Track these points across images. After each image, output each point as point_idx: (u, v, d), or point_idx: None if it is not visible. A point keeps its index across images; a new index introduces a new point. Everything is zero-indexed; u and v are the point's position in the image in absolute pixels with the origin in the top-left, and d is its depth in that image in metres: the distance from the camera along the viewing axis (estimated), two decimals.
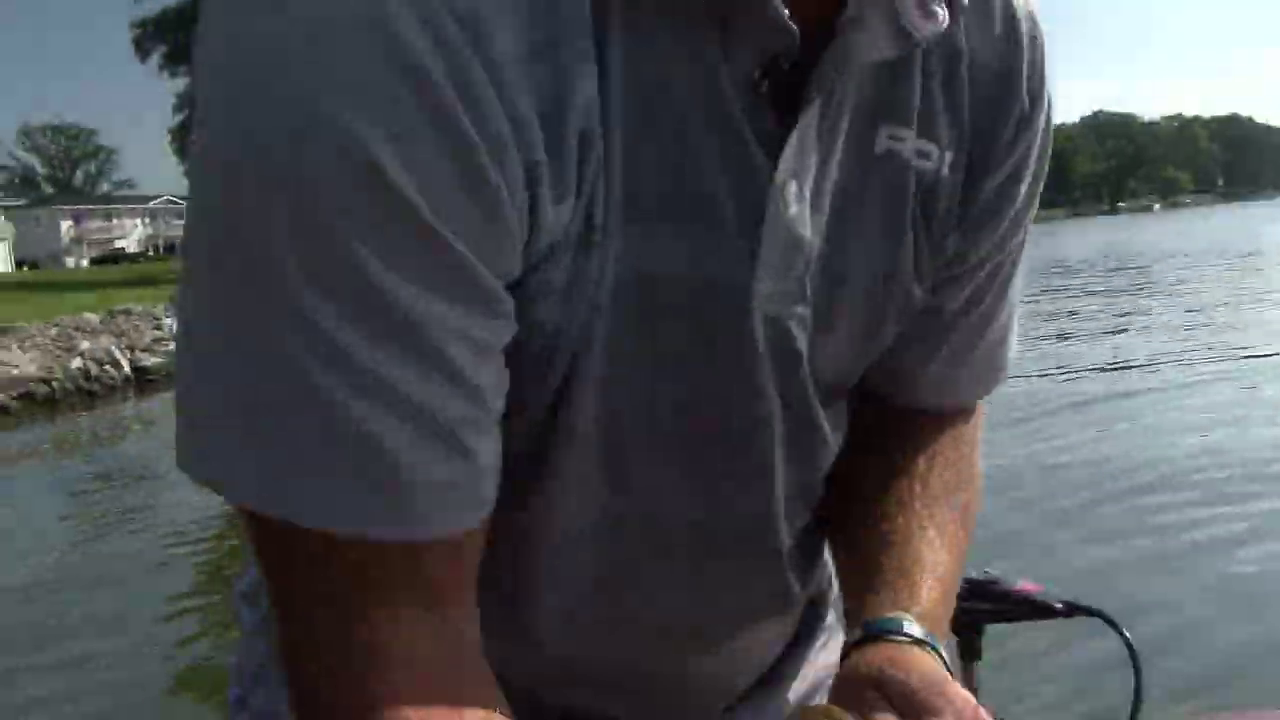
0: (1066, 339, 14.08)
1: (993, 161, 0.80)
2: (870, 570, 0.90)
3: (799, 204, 0.71)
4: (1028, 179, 0.83)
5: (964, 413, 0.98)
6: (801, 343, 0.77)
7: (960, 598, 1.98)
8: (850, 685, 0.80)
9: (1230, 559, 5.14)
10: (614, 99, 0.63)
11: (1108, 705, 2.14)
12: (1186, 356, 11.19)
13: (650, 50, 0.64)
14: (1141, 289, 18.38)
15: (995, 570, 2.03)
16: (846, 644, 0.86)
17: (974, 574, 1.98)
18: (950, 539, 0.94)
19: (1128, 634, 1.90)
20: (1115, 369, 11.00)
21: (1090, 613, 1.93)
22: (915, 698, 0.75)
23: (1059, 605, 1.93)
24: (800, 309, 0.75)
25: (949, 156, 0.77)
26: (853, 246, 0.76)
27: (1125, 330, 13.73)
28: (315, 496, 0.60)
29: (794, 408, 0.80)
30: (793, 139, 0.68)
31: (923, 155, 0.76)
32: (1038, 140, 0.82)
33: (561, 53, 0.60)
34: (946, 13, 0.70)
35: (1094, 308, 17.54)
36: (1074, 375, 10.96)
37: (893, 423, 0.94)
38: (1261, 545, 5.25)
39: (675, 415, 0.76)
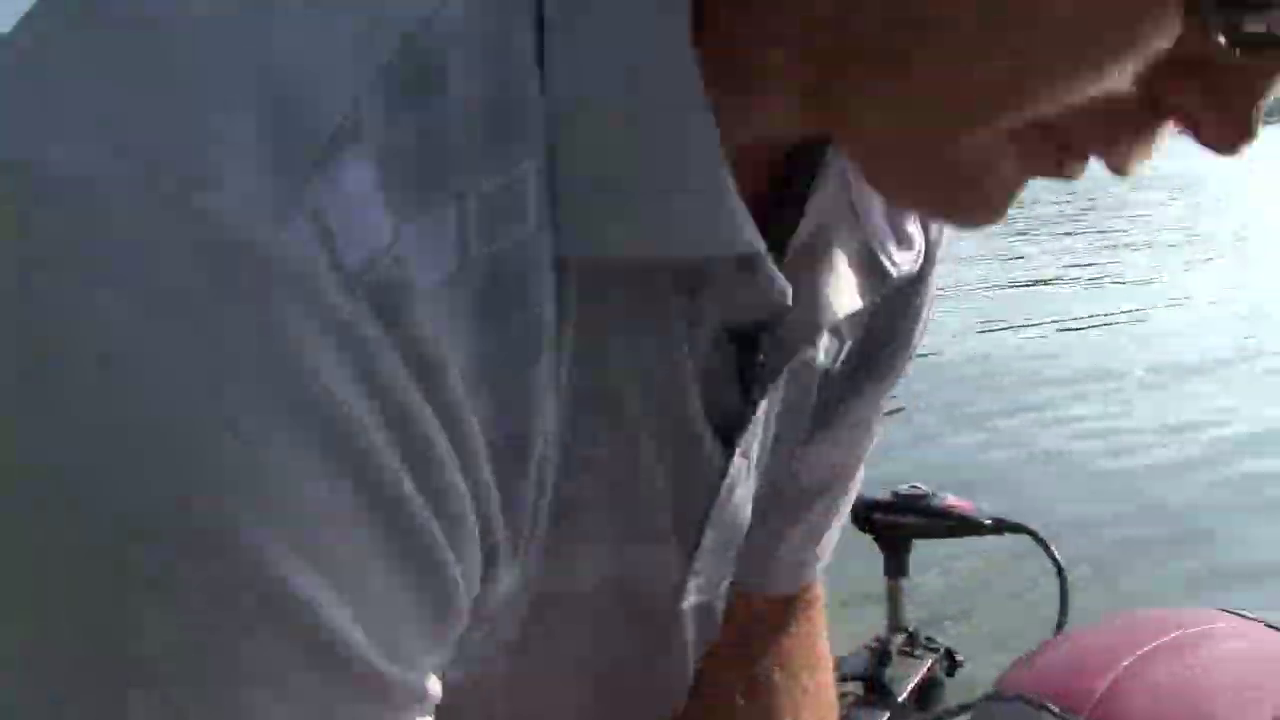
0: None
1: (884, 352, 0.73)
2: None
3: (745, 484, 0.63)
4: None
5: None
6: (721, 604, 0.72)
7: (887, 509, 1.98)
8: None
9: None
10: (562, 418, 0.51)
11: (1038, 617, 2.15)
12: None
13: (602, 350, 0.51)
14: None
15: (924, 485, 2.01)
16: None
17: (903, 488, 1.97)
18: None
19: (1055, 552, 1.90)
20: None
21: (1018, 529, 1.92)
22: None
23: (988, 522, 1.93)
24: (727, 582, 0.69)
25: (846, 346, 0.69)
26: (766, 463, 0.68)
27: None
28: None
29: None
30: (752, 427, 0.60)
31: (826, 351, 0.67)
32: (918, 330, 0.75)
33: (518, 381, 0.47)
34: (922, 238, 0.63)
35: None
36: None
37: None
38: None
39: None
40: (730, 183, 0.48)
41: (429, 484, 0.43)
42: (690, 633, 0.68)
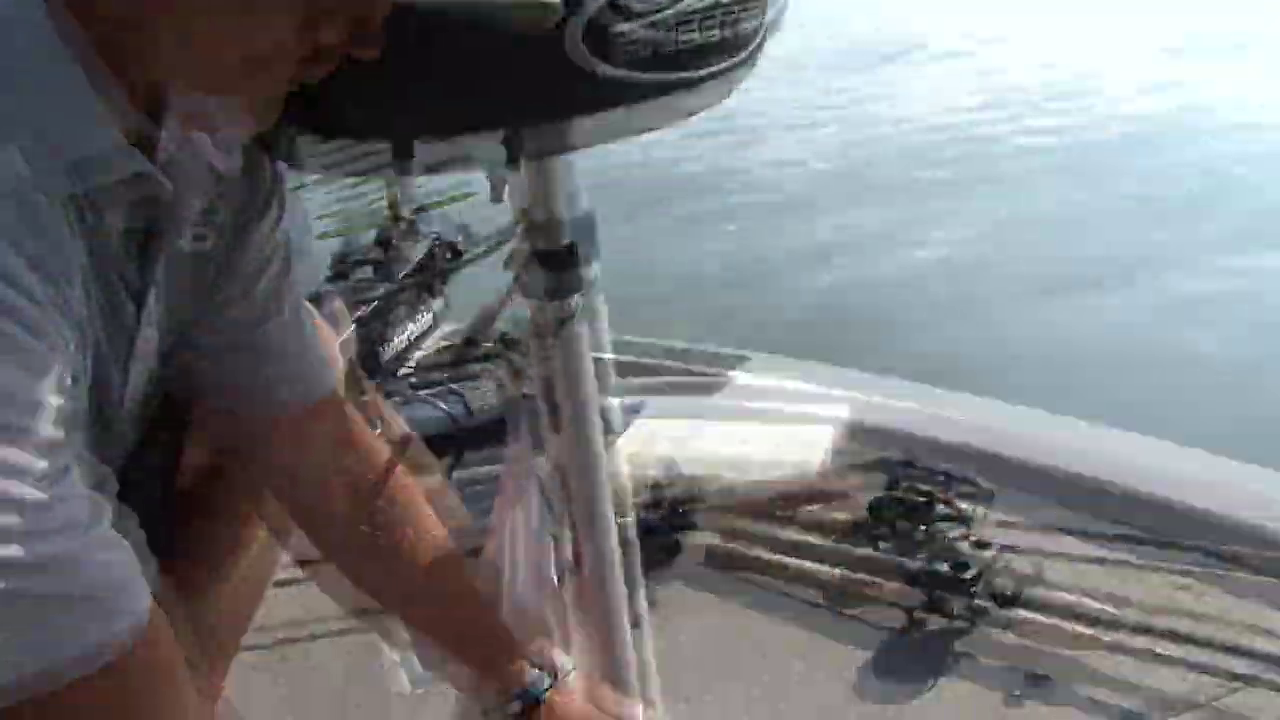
0: None
1: (252, 246, 1.09)
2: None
3: (151, 333, 1.00)
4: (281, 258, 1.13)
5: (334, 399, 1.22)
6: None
7: None
8: None
9: None
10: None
11: None
12: None
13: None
14: None
15: None
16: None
17: None
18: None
19: None
20: None
21: None
22: None
23: None
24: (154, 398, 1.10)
25: (222, 238, 1.06)
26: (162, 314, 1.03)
27: None
28: None
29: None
30: (149, 298, 0.98)
31: (201, 239, 1.03)
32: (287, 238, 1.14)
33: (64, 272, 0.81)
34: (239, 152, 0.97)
35: None
36: None
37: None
38: None
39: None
40: (109, 117, 0.83)
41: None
42: (128, 426, 1.05)
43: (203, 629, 1.25)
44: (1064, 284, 5.16)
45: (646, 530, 2.08)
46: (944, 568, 1.79)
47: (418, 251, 3.20)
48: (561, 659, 1.25)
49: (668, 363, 2.96)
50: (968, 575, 1.77)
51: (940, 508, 2.01)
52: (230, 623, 1.37)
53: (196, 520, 1.26)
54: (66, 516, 0.75)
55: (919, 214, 6.34)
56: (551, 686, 1.23)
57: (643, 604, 1.34)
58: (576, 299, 1.16)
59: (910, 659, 1.78)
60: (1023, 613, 1.75)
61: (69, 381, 0.78)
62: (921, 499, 1.99)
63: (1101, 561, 1.93)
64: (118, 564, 0.80)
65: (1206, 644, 1.65)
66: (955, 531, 1.96)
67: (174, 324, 1.05)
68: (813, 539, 2.12)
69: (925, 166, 7.30)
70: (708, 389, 2.82)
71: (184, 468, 1.25)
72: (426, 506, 1.26)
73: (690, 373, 2.91)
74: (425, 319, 3.09)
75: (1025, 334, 4.74)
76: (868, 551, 2.02)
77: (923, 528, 1.96)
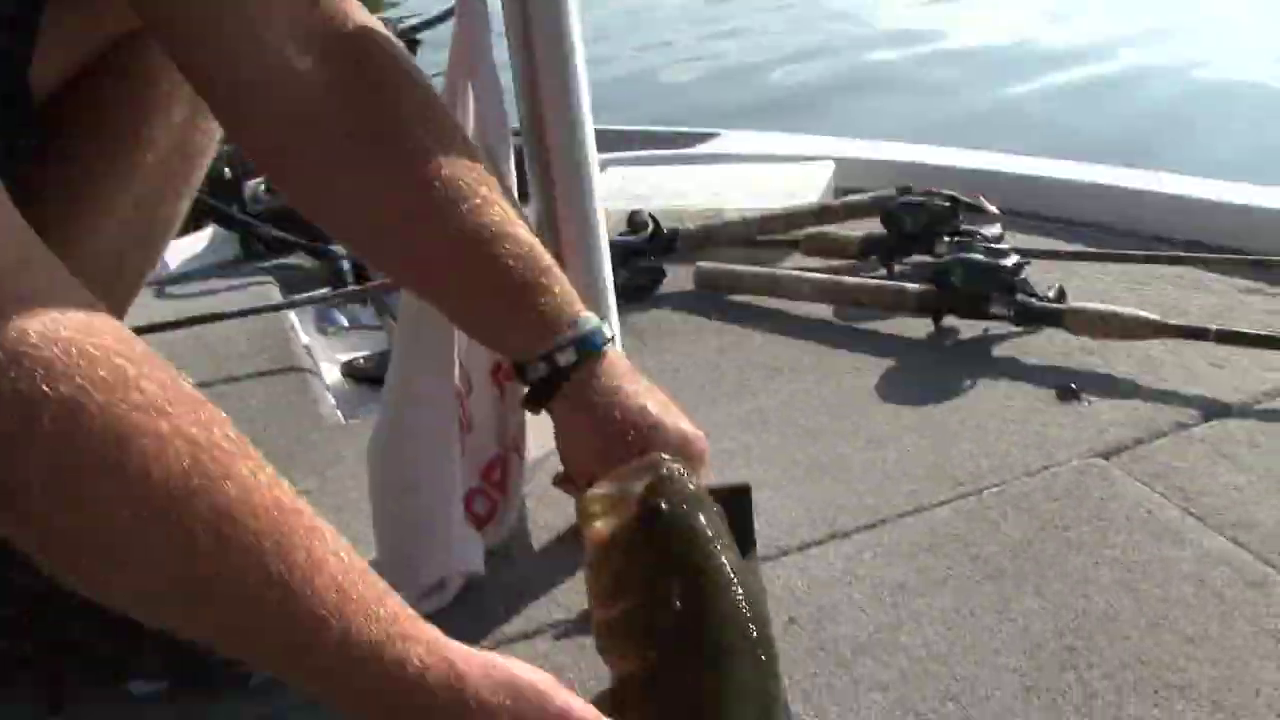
0: None
1: None
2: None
3: None
4: None
5: None
6: None
7: None
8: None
9: None
10: None
11: None
12: None
13: None
14: None
15: None
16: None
17: None
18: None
19: None
20: None
21: None
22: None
23: None
24: None
25: None
26: None
27: None
28: None
29: None
30: None
31: None
32: None
33: None
34: None
35: None
36: None
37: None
38: None
39: None
40: None
41: None
42: None
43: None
44: None
45: (628, 254, 1.84)
46: (980, 257, 1.55)
47: None
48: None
49: (644, 128, 2.73)
50: (1008, 263, 1.53)
51: (962, 218, 1.76)
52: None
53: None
54: None
55: None
56: (611, 339, 0.98)
57: None
58: None
59: (940, 364, 1.55)
60: (1065, 314, 1.51)
61: None
62: (944, 203, 1.74)
63: (1127, 281, 1.72)
64: None
65: (1254, 343, 1.43)
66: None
67: None
68: (818, 261, 1.88)
69: None
70: (690, 143, 2.58)
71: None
72: (434, 93, 0.98)
73: (672, 136, 2.67)
74: None
75: None
76: (882, 272, 1.79)
77: (945, 237, 1.70)
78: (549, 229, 1.18)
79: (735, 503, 1.01)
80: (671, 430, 0.95)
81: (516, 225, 0.95)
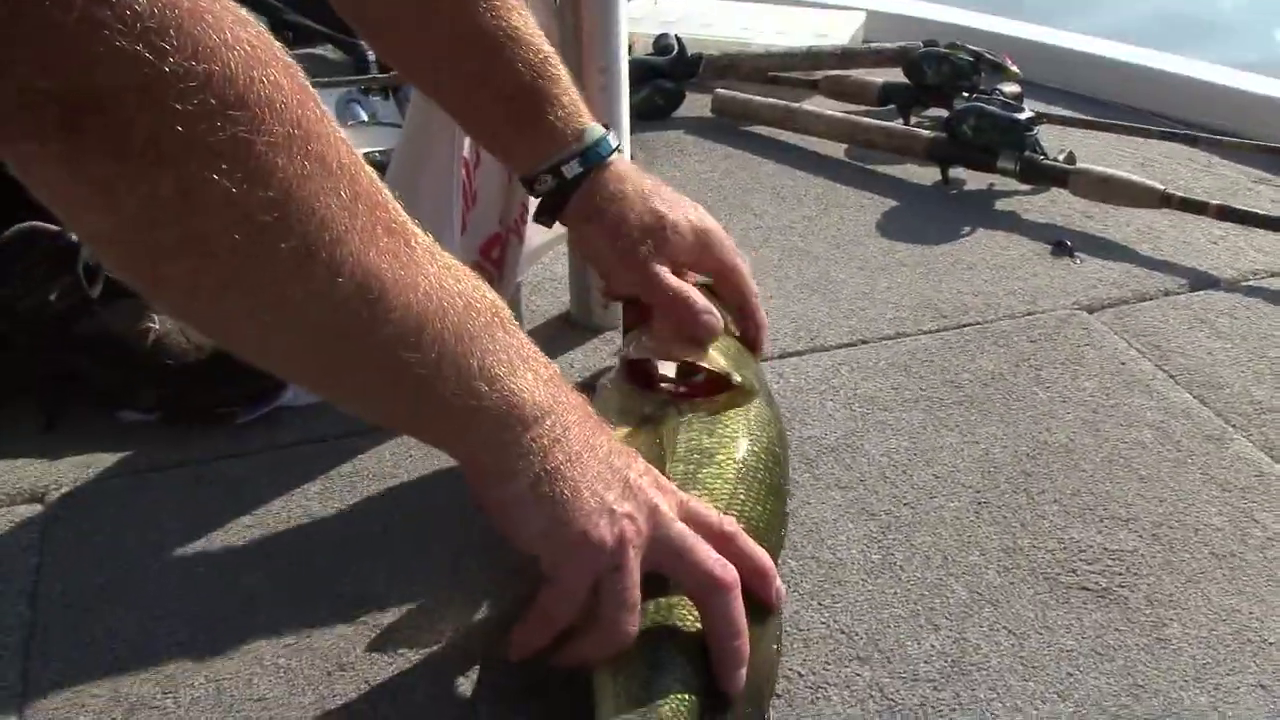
0: None
1: None
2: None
3: None
4: None
5: None
6: None
7: None
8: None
9: None
10: None
11: None
12: None
13: None
14: None
15: None
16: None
17: None
18: None
19: None
20: None
21: None
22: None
23: None
24: None
25: None
26: None
27: None
28: None
29: None
30: None
31: None
32: None
33: None
34: None
35: None
36: None
37: None
38: None
39: None
40: None
41: None
42: None
43: None
44: None
45: (648, 71, 1.85)
46: (993, 109, 1.56)
47: None
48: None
49: None
50: (1022, 118, 1.54)
51: (984, 75, 1.76)
52: None
53: None
54: None
55: None
56: (618, 149, 0.99)
57: None
58: None
59: (942, 209, 1.57)
60: (1069, 174, 1.52)
61: None
62: (968, 59, 1.74)
63: (1139, 158, 1.73)
64: None
65: (1251, 221, 1.45)
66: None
67: None
68: (837, 104, 1.89)
69: None
70: None
71: None
72: None
73: None
74: None
75: None
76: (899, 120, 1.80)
77: (965, 92, 1.71)
78: (572, 35, 1.17)
79: None
80: (684, 227, 0.99)
81: (533, 34, 0.96)
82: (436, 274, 0.67)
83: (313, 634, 0.87)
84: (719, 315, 0.97)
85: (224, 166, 0.55)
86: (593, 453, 0.73)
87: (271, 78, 0.56)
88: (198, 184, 0.55)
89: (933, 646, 0.85)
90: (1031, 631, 0.86)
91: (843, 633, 0.86)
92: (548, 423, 0.72)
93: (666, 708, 0.70)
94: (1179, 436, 1.09)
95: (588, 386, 1.08)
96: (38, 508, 1.02)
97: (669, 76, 1.89)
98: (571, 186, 0.97)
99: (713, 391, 0.94)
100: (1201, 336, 1.25)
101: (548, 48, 0.97)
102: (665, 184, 1.02)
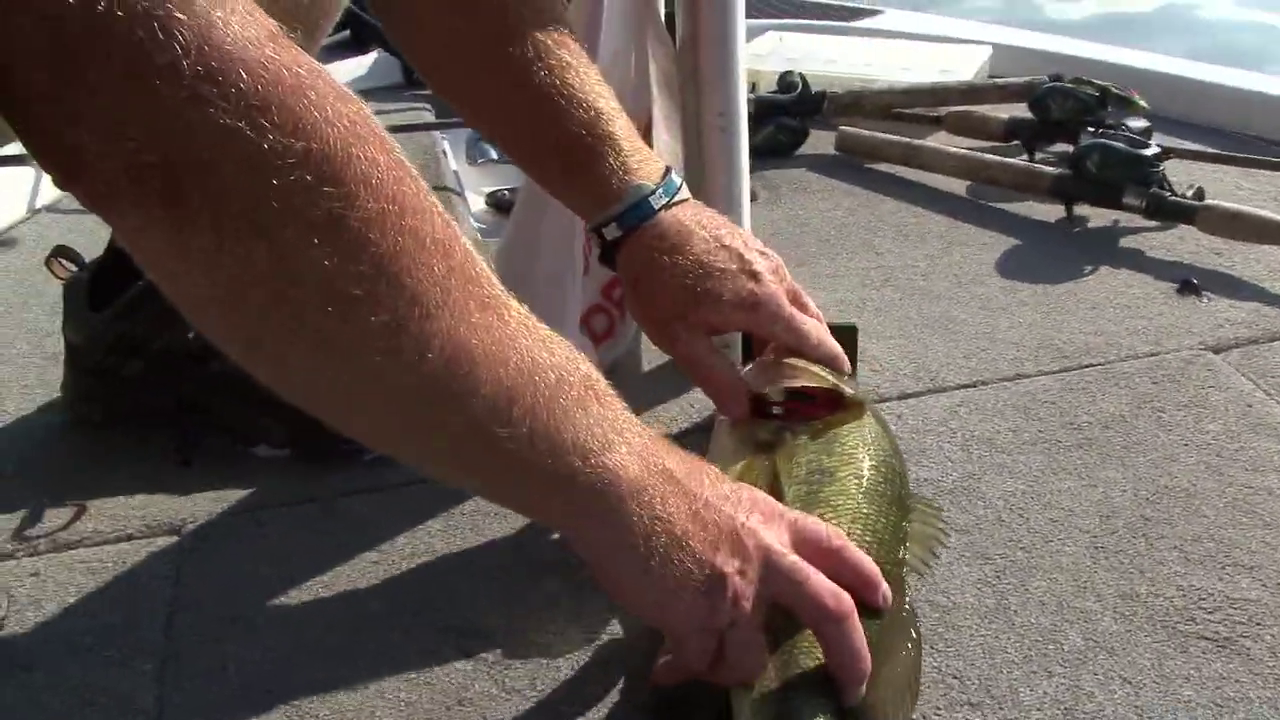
0: None
1: None
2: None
3: None
4: None
5: None
6: None
7: None
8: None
9: None
10: None
11: None
12: None
13: None
14: None
15: None
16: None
17: None
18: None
19: None
20: None
21: None
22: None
23: None
24: None
25: None
26: None
27: None
28: None
29: None
30: None
31: None
32: None
33: None
34: None
35: None
36: None
37: None
38: None
39: None
40: None
41: None
42: None
43: None
44: None
45: (772, 109, 1.87)
46: (1119, 145, 1.55)
47: None
48: (677, 177, 0.99)
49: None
50: (1148, 153, 1.53)
51: (1110, 110, 1.75)
52: None
53: None
54: None
55: None
56: (670, 204, 0.97)
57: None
58: None
59: (1065, 247, 1.56)
60: (1197, 210, 1.51)
61: None
62: (1094, 93, 1.73)
63: (1272, 190, 1.69)
64: None
65: None
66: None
67: None
68: (961, 140, 1.89)
69: None
70: (852, 16, 2.58)
71: None
72: None
73: (836, 8, 2.67)
74: None
75: None
76: (1024, 156, 1.79)
77: (1090, 128, 1.69)
78: (691, 78, 1.19)
79: (842, 339, 1.06)
80: (727, 299, 0.95)
81: (589, 93, 0.96)
82: (529, 347, 0.68)
83: (433, 669, 0.90)
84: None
85: (316, 240, 0.57)
86: (694, 517, 0.74)
87: (369, 154, 0.59)
88: (291, 255, 0.57)
89: (1045, 693, 0.85)
90: (1148, 681, 0.86)
91: (955, 677, 0.87)
92: (645, 496, 0.72)
93: None
94: None
95: (707, 426, 1.10)
96: (174, 539, 1.06)
97: (792, 114, 1.90)
98: (612, 250, 0.98)
99: (823, 411, 0.96)
100: None
101: (604, 105, 0.97)
102: (729, 231, 0.99)
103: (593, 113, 0.96)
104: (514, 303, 0.69)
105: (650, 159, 0.98)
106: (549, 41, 0.96)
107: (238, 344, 0.63)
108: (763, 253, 0.99)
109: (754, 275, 0.97)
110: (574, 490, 0.71)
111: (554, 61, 0.96)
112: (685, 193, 0.99)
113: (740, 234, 0.99)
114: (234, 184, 0.55)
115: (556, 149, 0.97)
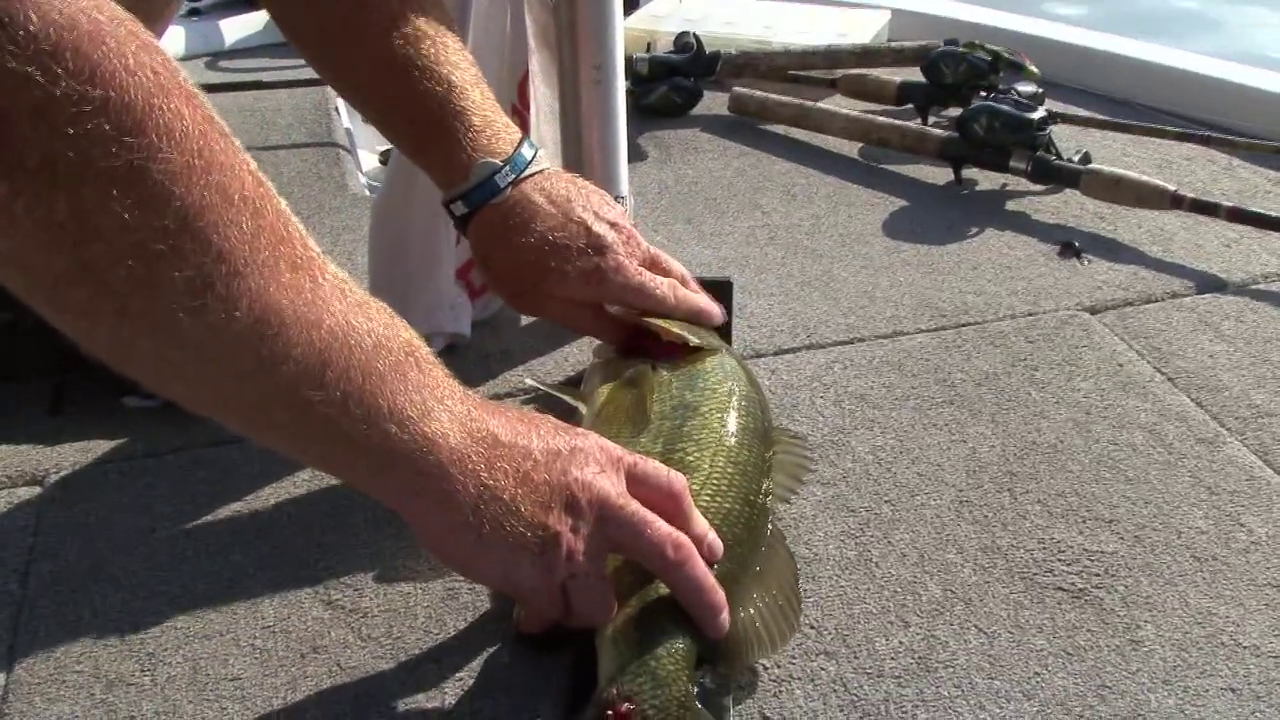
0: None
1: None
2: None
3: None
4: None
5: None
6: None
7: None
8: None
9: None
10: None
11: None
12: None
13: None
14: None
15: None
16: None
17: None
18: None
19: None
20: None
21: None
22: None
23: None
24: None
25: None
26: None
27: None
28: None
29: None
30: None
31: None
32: None
33: None
34: None
35: None
36: None
37: None
38: None
39: None
40: None
41: None
42: None
43: None
44: None
45: (666, 70, 1.86)
46: (1006, 108, 1.55)
47: None
48: (529, 150, 1.00)
49: None
50: (1035, 116, 1.53)
51: (1003, 75, 1.75)
52: None
53: None
54: None
55: None
56: (519, 180, 0.98)
57: None
58: None
59: (951, 210, 1.56)
60: (1081, 175, 1.52)
61: None
62: (986, 58, 1.73)
63: (1157, 159, 1.71)
64: None
65: (1264, 223, 1.43)
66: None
67: None
68: (855, 103, 1.88)
69: None
70: None
71: None
72: None
73: None
74: None
75: None
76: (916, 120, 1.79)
77: (983, 92, 1.70)
78: (567, 32, 1.17)
79: (717, 294, 1.07)
80: (572, 276, 0.98)
81: (443, 64, 0.96)
82: (343, 310, 0.66)
83: (290, 617, 0.89)
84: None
85: (116, 192, 0.55)
86: (523, 479, 0.73)
87: (173, 106, 0.57)
88: (91, 209, 0.55)
89: (901, 643, 0.85)
90: (1002, 630, 0.86)
91: (811, 627, 0.87)
92: (469, 465, 0.71)
93: (665, 660, 0.75)
94: (1171, 439, 1.08)
95: (576, 380, 1.10)
96: (36, 490, 1.04)
97: (686, 75, 1.89)
98: (463, 224, 0.99)
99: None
100: (1204, 340, 1.24)
101: (459, 77, 0.97)
102: (581, 203, 1.00)
103: (445, 85, 0.96)
104: (331, 265, 0.67)
105: (501, 133, 0.98)
106: (407, 10, 0.96)
107: (44, 301, 0.60)
108: (612, 223, 1.00)
109: (600, 249, 0.98)
110: (395, 460, 0.69)
111: (410, 30, 0.96)
112: (540, 163, 0.99)
113: (592, 203, 1.00)
114: (28, 133, 0.52)
115: (411, 122, 0.98)
